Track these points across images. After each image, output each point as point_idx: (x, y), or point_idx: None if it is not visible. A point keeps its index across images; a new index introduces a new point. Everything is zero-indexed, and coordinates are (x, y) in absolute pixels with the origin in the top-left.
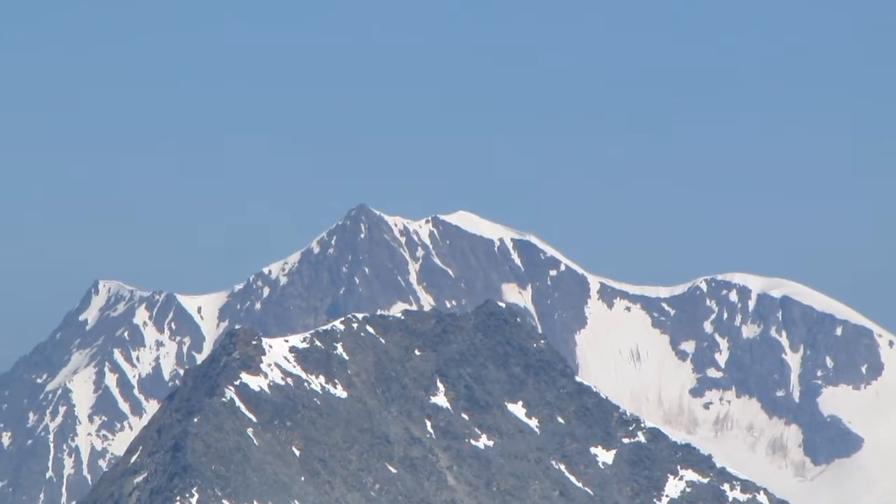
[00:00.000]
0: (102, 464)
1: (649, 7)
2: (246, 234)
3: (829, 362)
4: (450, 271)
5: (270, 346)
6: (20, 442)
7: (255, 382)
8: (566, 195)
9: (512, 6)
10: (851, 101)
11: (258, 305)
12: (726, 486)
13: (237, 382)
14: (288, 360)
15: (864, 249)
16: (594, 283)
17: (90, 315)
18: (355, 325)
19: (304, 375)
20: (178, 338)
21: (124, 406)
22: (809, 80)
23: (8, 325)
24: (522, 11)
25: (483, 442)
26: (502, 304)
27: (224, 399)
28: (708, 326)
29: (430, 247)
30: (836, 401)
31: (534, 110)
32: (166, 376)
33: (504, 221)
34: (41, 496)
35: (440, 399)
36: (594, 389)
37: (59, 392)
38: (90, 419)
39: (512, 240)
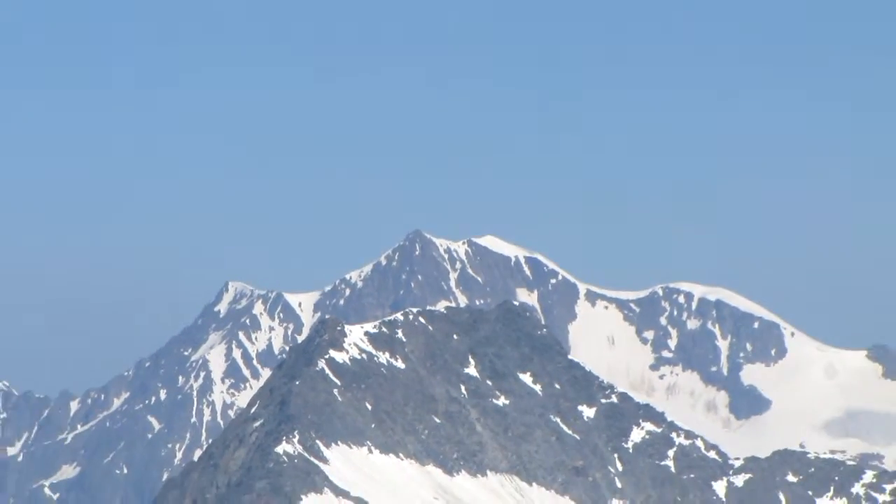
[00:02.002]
0: (230, 413)
1: None
2: (334, 248)
3: (748, 347)
4: (479, 279)
5: (350, 331)
6: (173, 397)
7: (339, 357)
8: (561, 219)
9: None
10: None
11: (342, 302)
12: (674, 434)
13: (326, 356)
14: (363, 341)
15: (776, 264)
16: (582, 289)
17: (222, 307)
18: (411, 317)
19: (374, 352)
20: (284, 324)
21: (246, 372)
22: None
23: (164, 314)
24: None
25: (502, 401)
26: (516, 304)
27: (317, 368)
28: (663, 320)
29: (466, 261)
30: (752, 374)
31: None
32: (276, 352)
33: (518, 243)
34: (187, 436)
35: (471, 370)
36: (581, 364)
37: (200, 362)
38: (222, 381)
39: (524, 257)
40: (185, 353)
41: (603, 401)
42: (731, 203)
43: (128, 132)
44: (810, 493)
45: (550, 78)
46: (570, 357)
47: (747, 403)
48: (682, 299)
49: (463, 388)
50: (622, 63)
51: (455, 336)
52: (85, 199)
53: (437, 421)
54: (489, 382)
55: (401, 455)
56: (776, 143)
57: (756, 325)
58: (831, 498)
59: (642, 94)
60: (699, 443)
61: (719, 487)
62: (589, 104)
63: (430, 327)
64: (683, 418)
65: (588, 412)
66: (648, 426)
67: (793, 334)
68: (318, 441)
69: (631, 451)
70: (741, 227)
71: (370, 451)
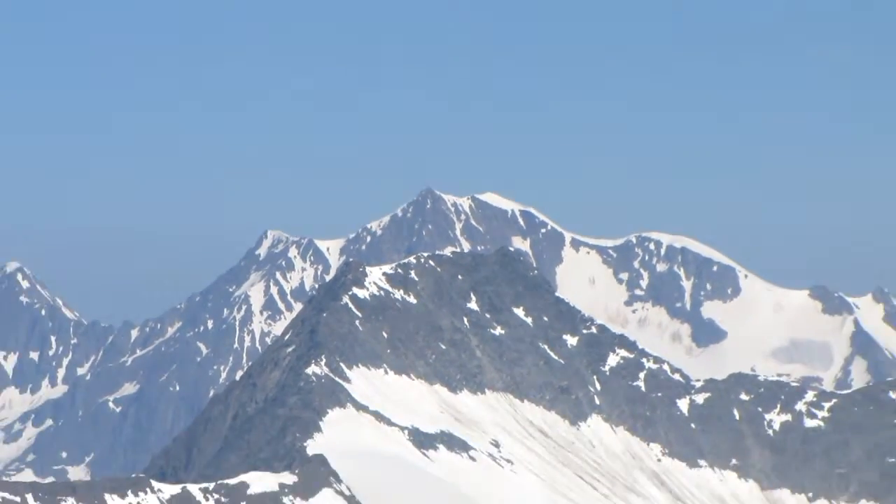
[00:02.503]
0: (267, 340)
1: None
2: (358, 202)
3: (708, 287)
4: (480, 229)
5: (370, 272)
6: (218, 326)
7: (360, 293)
8: (552, 176)
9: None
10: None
11: (363, 247)
12: (644, 360)
13: (350, 293)
14: (381, 280)
15: (733, 216)
16: (568, 237)
17: (262, 251)
18: (422, 260)
19: (390, 289)
20: (314, 266)
21: (281, 306)
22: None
23: (213, 257)
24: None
25: (498, 331)
26: (512, 249)
27: (341, 303)
28: (636, 264)
29: (469, 214)
30: (711, 310)
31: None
32: (307, 289)
33: (514, 198)
34: (230, 359)
35: (472, 305)
36: (566, 301)
37: (242, 297)
38: (261, 313)
39: (519, 210)
40: (230, 290)
41: (584, 331)
42: (695, 160)
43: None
44: (760, 409)
45: (545, 37)
46: (556, 294)
47: (707, 334)
48: (652, 246)
49: (465, 319)
50: (608, 24)
51: (459, 276)
52: (153, 147)
53: (443, 347)
54: (487, 315)
55: (412, 376)
56: (734, 100)
57: (715, 268)
58: (777, 414)
59: (623, 56)
60: (665, 367)
61: (682, 404)
62: (575, 69)
63: (438, 269)
64: (652, 346)
65: (571, 341)
66: (622, 353)
67: (746, 276)
68: (341, 364)
69: (608, 373)
70: (704, 182)
71: (386, 373)
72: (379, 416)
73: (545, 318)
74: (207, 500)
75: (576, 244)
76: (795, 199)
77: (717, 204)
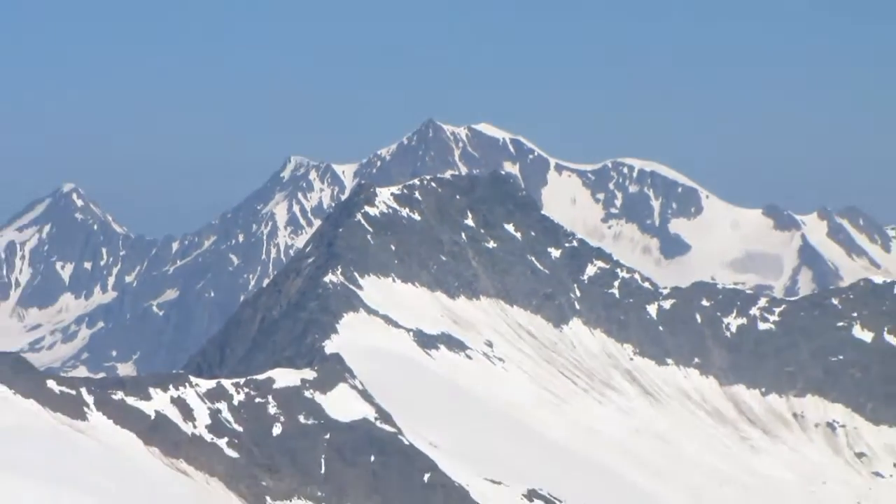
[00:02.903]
0: (291, 252)
1: None
2: (369, 130)
3: (674, 206)
4: (476, 155)
5: (380, 192)
6: (248, 240)
7: (371, 211)
8: (538, 106)
9: None
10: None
11: (374, 171)
12: (618, 270)
13: (362, 211)
14: (389, 199)
15: (696, 142)
16: (552, 162)
17: (286, 173)
18: (425, 182)
19: (398, 207)
20: (332, 187)
21: (302, 222)
22: None
23: (243, 178)
24: None
25: (491, 244)
26: (503, 173)
27: (355, 219)
28: (611, 185)
29: (466, 142)
30: (677, 226)
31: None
32: (325, 207)
33: (505, 128)
34: (258, 269)
35: (469, 221)
36: (551, 218)
37: (269, 214)
38: (285, 228)
39: (509, 139)
40: (258, 208)
41: (566, 245)
42: (664, 94)
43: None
44: (718, 314)
45: None
46: (542, 212)
47: (673, 248)
48: (625, 171)
49: (462, 234)
50: None
51: (457, 196)
52: (192, 84)
53: (443, 259)
54: (482, 231)
55: (416, 284)
56: (696, 38)
57: (680, 190)
58: (734, 318)
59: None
60: (637, 276)
61: (651, 309)
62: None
63: (439, 190)
64: (625, 258)
65: (555, 253)
66: (599, 263)
67: (707, 197)
68: (355, 273)
69: (586, 282)
70: (671, 114)
71: (393, 281)
72: (387, 320)
73: (532, 234)
74: (238, 393)
75: (559, 168)
76: (750, 127)
77: (682, 133)
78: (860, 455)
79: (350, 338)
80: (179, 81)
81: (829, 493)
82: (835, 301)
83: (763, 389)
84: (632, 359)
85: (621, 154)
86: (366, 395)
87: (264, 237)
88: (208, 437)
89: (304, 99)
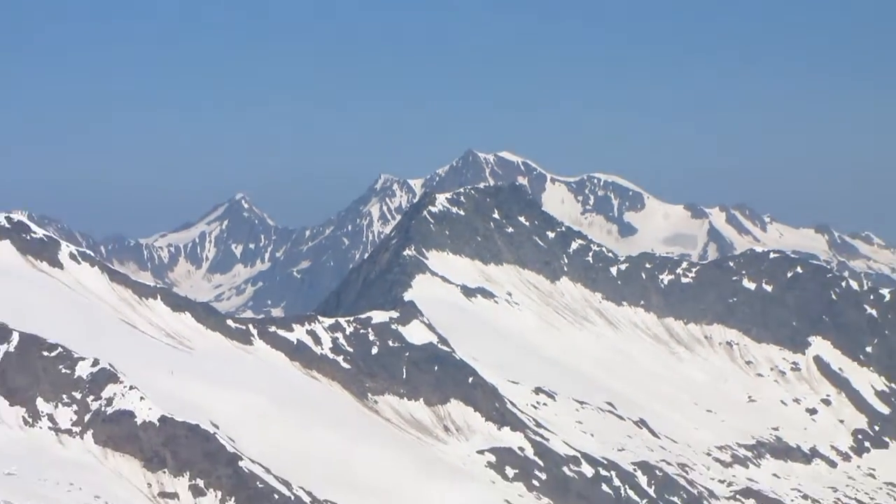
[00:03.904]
0: (381, 236)
1: None
2: (430, 153)
3: (627, 204)
4: (500, 172)
5: (438, 197)
6: (354, 229)
7: (433, 209)
8: (541, 131)
9: None
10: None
11: (434, 183)
12: (592, 245)
13: (427, 209)
14: (444, 202)
15: (642, 152)
16: (548, 176)
17: (378, 185)
18: (467, 190)
19: (449, 207)
20: (407, 194)
21: (389, 217)
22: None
23: (349, 189)
24: None
25: (509, 230)
26: (517, 184)
27: (422, 215)
28: (587, 191)
29: (493, 164)
30: (629, 217)
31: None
32: (403, 206)
33: (519, 153)
34: (360, 247)
35: (496, 215)
36: (548, 213)
37: (367, 212)
38: (377, 221)
39: (521, 161)
40: (361, 208)
41: (558, 229)
42: (621, 123)
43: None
44: (656, 272)
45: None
46: (542, 209)
47: (626, 231)
48: (596, 181)
49: (491, 224)
50: None
51: (487, 199)
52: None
53: (479, 239)
54: (504, 221)
55: (462, 255)
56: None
57: (630, 193)
58: (666, 275)
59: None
60: (603, 249)
61: (613, 270)
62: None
63: (476, 195)
64: (596, 238)
65: (551, 235)
66: (580, 241)
67: (648, 197)
68: (423, 249)
69: (571, 253)
70: (624, 136)
71: (448, 254)
72: (444, 279)
73: (536, 223)
74: (349, 326)
75: (553, 181)
76: (678, 146)
77: (631, 152)
78: (748, 363)
79: (420, 291)
80: (310, 118)
81: (728, 388)
82: (731, 264)
83: (685, 320)
84: (601, 302)
85: (593, 170)
86: (430, 328)
87: (364, 227)
88: (330, 355)
89: (387, 131)
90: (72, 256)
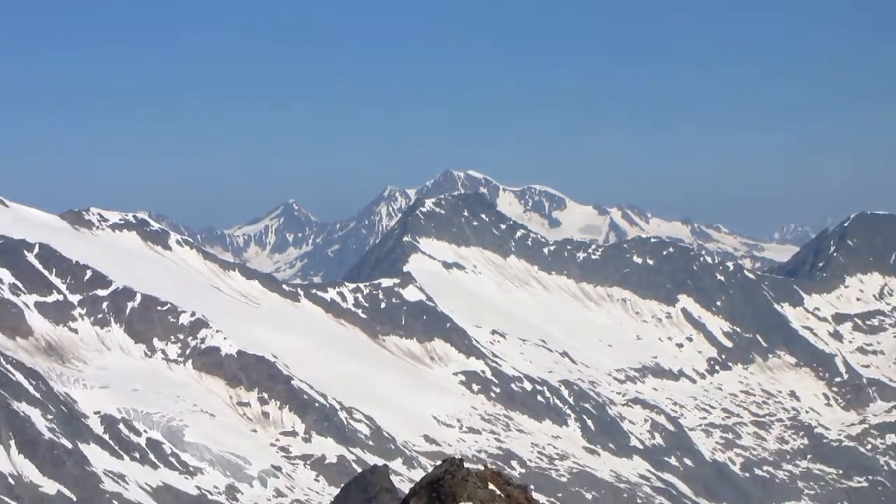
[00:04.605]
0: (388, 228)
1: None
2: (419, 171)
3: (554, 205)
4: (468, 184)
5: (427, 202)
6: (370, 223)
7: (423, 209)
8: (496, 152)
9: None
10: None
11: (424, 191)
12: (530, 233)
13: (418, 209)
14: (430, 205)
15: (564, 169)
16: (501, 186)
17: (385, 192)
18: (446, 196)
19: (434, 208)
20: (405, 199)
21: (394, 215)
22: None
23: (361, 197)
24: None
25: (475, 223)
26: (481, 192)
27: (416, 213)
28: (526, 196)
29: (464, 178)
30: (555, 214)
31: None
32: (402, 208)
33: (481, 170)
34: (374, 236)
35: (465, 213)
36: (502, 212)
37: (378, 210)
38: (386, 217)
39: (482, 177)
40: (374, 209)
41: (509, 223)
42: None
43: None
44: (576, 252)
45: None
46: (497, 210)
47: (554, 224)
48: (533, 190)
49: (462, 218)
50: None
51: (459, 203)
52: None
53: (454, 229)
54: (471, 217)
55: (444, 241)
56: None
57: (556, 197)
58: (583, 253)
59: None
60: (539, 236)
61: (546, 250)
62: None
63: (451, 200)
64: (534, 229)
65: (503, 227)
66: (522, 231)
67: (568, 200)
68: (416, 236)
69: (517, 238)
70: (551, 155)
71: (434, 240)
72: (430, 257)
73: (492, 219)
74: (366, 289)
75: (504, 190)
76: (588, 153)
77: (558, 166)
78: (637, 313)
79: (414, 265)
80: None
81: (623, 330)
82: (625, 245)
83: (594, 284)
84: (537, 272)
85: (531, 182)
86: (421, 290)
87: (376, 221)
88: (353, 309)
89: (393, 153)
90: (177, 242)
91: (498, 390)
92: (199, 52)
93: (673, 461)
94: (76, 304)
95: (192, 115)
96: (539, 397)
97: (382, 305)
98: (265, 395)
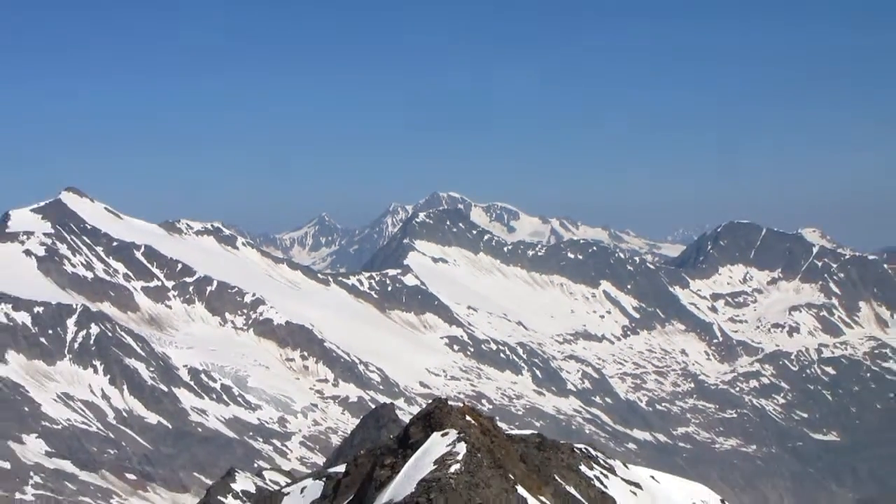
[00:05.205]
0: (392, 232)
1: None
2: (411, 191)
3: (509, 216)
4: (449, 202)
5: (420, 215)
6: (380, 230)
7: (418, 220)
8: (472, 174)
9: None
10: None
11: (417, 208)
12: (495, 237)
13: (415, 220)
14: (423, 216)
15: (521, 186)
16: (473, 203)
17: (391, 207)
18: (432, 211)
19: (426, 220)
20: (405, 213)
21: (396, 224)
22: None
23: (372, 209)
24: None
25: (454, 230)
26: (458, 208)
27: (413, 223)
28: (491, 209)
29: (445, 197)
30: (512, 224)
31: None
32: (401, 219)
33: (460, 191)
34: (383, 238)
35: (448, 223)
36: (474, 221)
37: (386, 222)
38: (391, 226)
39: (460, 196)
40: (384, 219)
41: (478, 230)
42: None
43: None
44: (522, 250)
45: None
46: (470, 220)
47: (510, 230)
48: (496, 206)
49: (445, 227)
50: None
51: (443, 216)
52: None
53: (440, 234)
54: (451, 226)
55: (433, 243)
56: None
57: (511, 211)
58: (530, 251)
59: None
60: (500, 238)
61: (505, 249)
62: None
63: (437, 213)
64: (496, 233)
65: (474, 232)
66: (488, 236)
67: (520, 213)
68: (414, 239)
69: (484, 240)
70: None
71: (426, 242)
72: (423, 254)
73: (468, 226)
74: (377, 276)
75: (475, 206)
76: (534, 176)
77: (516, 183)
78: (571, 293)
79: (412, 260)
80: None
81: (561, 306)
82: (561, 245)
83: (539, 273)
84: (499, 265)
85: (494, 200)
86: (417, 277)
87: (384, 228)
88: (368, 291)
89: (395, 176)
90: (243, 244)
91: (472, 349)
92: (262, 97)
93: (598, 399)
94: (170, 288)
95: (255, 148)
96: (501, 354)
97: (389, 289)
98: (305, 353)
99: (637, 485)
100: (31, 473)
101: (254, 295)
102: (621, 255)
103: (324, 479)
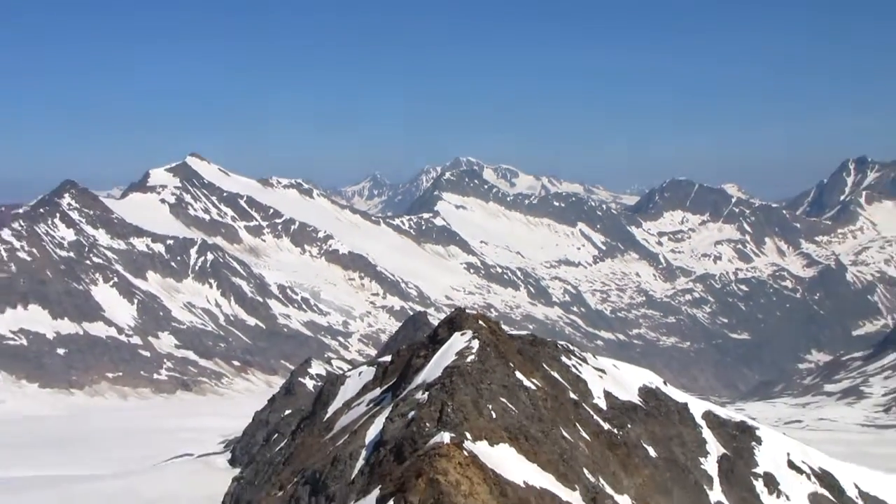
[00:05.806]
0: (427, 186)
1: None
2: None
3: (511, 176)
4: (468, 165)
5: (446, 173)
6: (416, 185)
7: (444, 178)
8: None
9: None
10: None
11: (446, 166)
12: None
13: (443, 177)
14: (448, 175)
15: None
16: (486, 166)
17: (425, 167)
18: (457, 171)
19: (451, 177)
20: (436, 173)
21: (429, 181)
22: None
23: (404, 174)
24: None
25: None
26: (475, 169)
27: (441, 180)
28: (477, 178)
29: (464, 162)
30: (514, 181)
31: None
32: (434, 178)
33: (479, 158)
34: (409, 203)
35: (468, 181)
36: (485, 178)
37: (422, 179)
38: (426, 182)
39: (476, 162)
40: (420, 177)
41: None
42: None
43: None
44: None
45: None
46: (484, 177)
47: (511, 186)
48: (502, 168)
49: (460, 186)
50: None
51: (465, 177)
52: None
53: (450, 203)
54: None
55: (456, 205)
56: None
57: (512, 171)
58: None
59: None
60: (506, 192)
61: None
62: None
63: (459, 173)
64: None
65: (486, 187)
66: (510, 183)
67: (519, 173)
68: (442, 192)
69: (503, 193)
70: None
71: (448, 204)
72: (448, 203)
73: (481, 182)
74: (416, 218)
75: (486, 167)
76: (531, 143)
77: (514, 147)
78: (556, 232)
79: (441, 207)
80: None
81: (548, 241)
82: (550, 197)
83: (534, 216)
84: (506, 210)
85: (501, 163)
86: (444, 220)
87: (420, 184)
88: (409, 229)
89: (426, 142)
90: (317, 195)
91: (483, 272)
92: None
93: (575, 309)
94: (265, 226)
95: (329, 122)
96: (505, 276)
97: (423, 228)
98: (362, 274)
99: (603, 371)
100: (164, 360)
101: (325, 232)
102: (593, 204)
103: (375, 366)
